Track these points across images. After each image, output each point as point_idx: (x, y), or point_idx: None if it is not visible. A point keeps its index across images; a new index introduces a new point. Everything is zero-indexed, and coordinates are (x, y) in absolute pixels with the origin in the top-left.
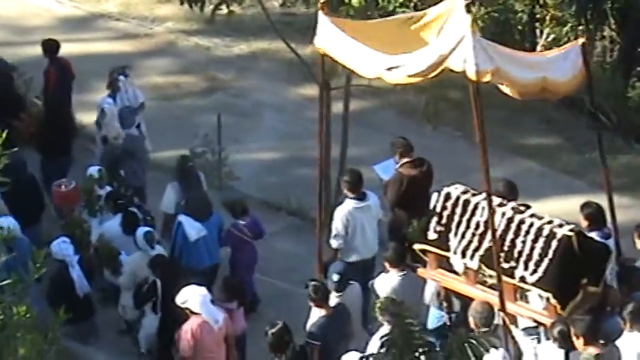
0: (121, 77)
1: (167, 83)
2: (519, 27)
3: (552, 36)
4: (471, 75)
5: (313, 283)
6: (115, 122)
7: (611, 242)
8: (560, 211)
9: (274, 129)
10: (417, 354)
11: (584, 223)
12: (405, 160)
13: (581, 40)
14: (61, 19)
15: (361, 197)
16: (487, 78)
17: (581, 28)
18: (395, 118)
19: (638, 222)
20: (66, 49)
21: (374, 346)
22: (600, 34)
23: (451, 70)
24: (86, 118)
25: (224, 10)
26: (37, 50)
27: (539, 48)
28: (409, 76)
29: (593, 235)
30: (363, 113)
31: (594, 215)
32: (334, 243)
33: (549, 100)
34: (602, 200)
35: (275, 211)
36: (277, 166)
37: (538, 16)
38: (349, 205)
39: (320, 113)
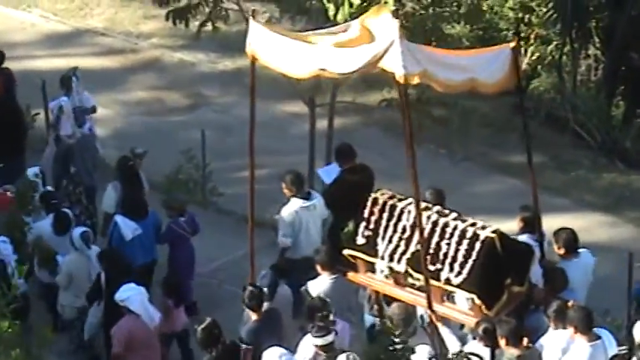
0: (74, 78)
1: (152, 99)
2: None
3: (537, 55)
4: (400, 77)
5: (250, 288)
6: (70, 120)
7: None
8: (544, 229)
9: (258, 145)
10: None
11: (519, 225)
12: (348, 165)
13: (512, 44)
14: (46, 34)
15: (306, 197)
16: (415, 80)
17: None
18: (378, 135)
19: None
20: (51, 64)
21: (305, 346)
22: (585, 53)
23: (383, 71)
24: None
25: (209, 26)
26: (23, 65)
27: (523, 66)
28: (340, 74)
29: (525, 237)
30: (346, 130)
31: (530, 219)
32: (282, 241)
33: (533, 118)
34: (587, 219)
35: (258, 227)
36: (261, 182)
37: (523, 34)
38: (295, 204)
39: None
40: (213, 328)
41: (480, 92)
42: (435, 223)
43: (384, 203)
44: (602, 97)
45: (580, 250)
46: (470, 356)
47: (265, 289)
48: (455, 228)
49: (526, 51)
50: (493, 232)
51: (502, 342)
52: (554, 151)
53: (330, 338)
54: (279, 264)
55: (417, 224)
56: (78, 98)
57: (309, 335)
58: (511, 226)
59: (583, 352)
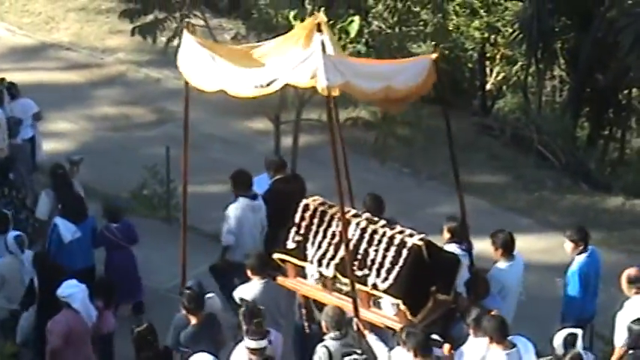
0: (4, 90)
1: (117, 114)
2: (469, 65)
3: (502, 75)
4: (322, 89)
5: (189, 291)
6: (2, 133)
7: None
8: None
9: (223, 162)
10: None
11: (446, 236)
12: (279, 176)
13: (434, 55)
14: (11, 48)
15: (253, 197)
16: (336, 92)
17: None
18: (342, 154)
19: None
20: (16, 78)
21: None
22: (550, 74)
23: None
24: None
25: (176, 42)
26: None
27: (488, 86)
28: (255, 88)
29: (452, 247)
30: (312, 147)
31: (456, 229)
32: (226, 239)
33: (498, 138)
34: (550, 239)
35: (210, 237)
36: (226, 199)
37: (488, 54)
38: (242, 203)
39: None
40: (147, 334)
41: (392, 99)
42: (363, 230)
43: (315, 209)
44: (567, 118)
45: (515, 254)
46: None
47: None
48: (383, 235)
49: (491, 71)
50: (420, 239)
51: (412, 354)
52: (518, 171)
53: (263, 343)
54: (218, 265)
55: (346, 231)
56: (9, 108)
57: (242, 341)
58: (478, 245)
59: None
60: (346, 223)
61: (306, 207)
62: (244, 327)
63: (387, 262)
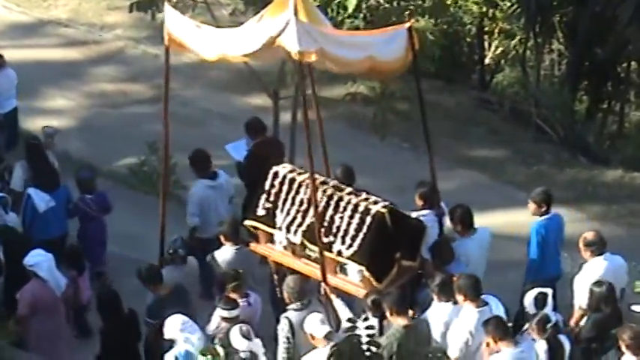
0: None
1: (115, 91)
2: (468, 39)
3: (500, 49)
4: (296, 55)
5: (146, 265)
6: None
7: (445, 220)
8: (506, 222)
9: (222, 138)
10: None
11: (418, 202)
12: (259, 139)
13: (407, 24)
14: (9, 25)
15: (212, 176)
16: (312, 58)
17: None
18: (343, 129)
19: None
20: (14, 55)
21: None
22: (549, 48)
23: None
24: (33, 123)
25: None
26: None
27: (487, 61)
28: (244, 55)
29: (426, 213)
30: (310, 123)
31: (428, 195)
32: (190, 221)
33: (496, 112)
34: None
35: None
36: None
37: (486, 28)
38: (202, 184)
39: None
40: (111, 298)
41: (378, 71)
42: (330, 197)
43: (284, 176)
44: (566, 92)
45: (476, 227)
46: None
47: (180, 251)
48: (348, 202)
49: (490, 45)
50: (384, 207)
51: (388, 313)
52: (517, 145)
53: (235, 312)
54: (187, 242)
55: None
56: None
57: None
58: (476, 219)
59: (471, 318)
60: (315, 191)
61: (276, 174)
62: (217, 296)
63: (351, 229)
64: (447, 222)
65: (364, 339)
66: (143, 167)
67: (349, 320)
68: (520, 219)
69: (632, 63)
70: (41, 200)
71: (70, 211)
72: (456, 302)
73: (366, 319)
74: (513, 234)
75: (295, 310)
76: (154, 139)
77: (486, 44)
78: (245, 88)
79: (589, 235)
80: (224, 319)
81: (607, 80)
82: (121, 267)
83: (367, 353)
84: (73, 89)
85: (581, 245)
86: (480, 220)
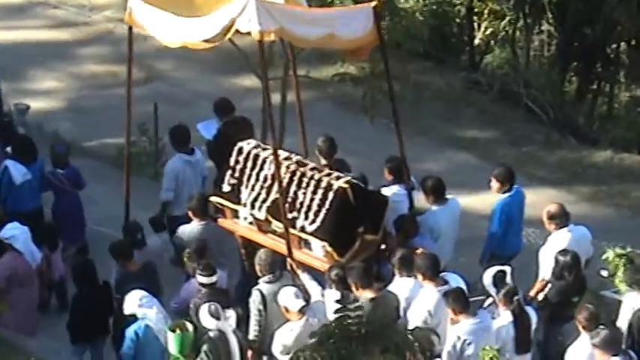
0: None
1: (104, 72)
2: (457, 20)
3: (490, 30)
4: (255, 34)
5: (118, 240)
6: None
7: (415, 194)
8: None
9: (210, 118)
10: (354, 345)
11: (388, 177)
12: (227, 118)
13: (373, 3)
14: None
15: (190, 152)
16: (271, 37)
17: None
18: (332, 110)
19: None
20: (3, 36)
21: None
22: (538, 29)
23: (239, 32)
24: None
25: None
26: None
27: (477, 41)
28: (205, 40)
29: (395, 188)
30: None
31: (396, 169)
32: (165, 196)
33: (486, 93)
34: (538, 194)
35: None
36: None
37: (476, 9)
38: (179, 158)
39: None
40: (86, 269)
41: (339, 48)
42: (293, 173)
43: (249, 152)
44: (555, 73)
45: (448, 197)
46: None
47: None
48: (311, 178)
49: (479, 26)
50: (346, 182)
51: (354, 288)
52: (506, 126)
53: (214, 278)
54: (157, 218)
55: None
56: None
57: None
58: (466, 200)
59: (431, 297)
60: (279, 167)
61: (240, 150)
62: (194, 264)
63: (314, 205)
64: (418, 196)
65: (354, 320)
66: (132, 148)
67: (338, 301)
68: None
69: (622, 44)
70: (18, 173)
71: (42, 185)
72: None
73: (355, 300)
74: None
75: (267, 282)
76: (144, 120)
77: (476, 25)
78: (233, 70)
79: (552, 208)
80: (202, 285)
81: (596, 61)
82: (106, 246)
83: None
84: (63, 70)
85: (545, 218)
86: (469, 200)
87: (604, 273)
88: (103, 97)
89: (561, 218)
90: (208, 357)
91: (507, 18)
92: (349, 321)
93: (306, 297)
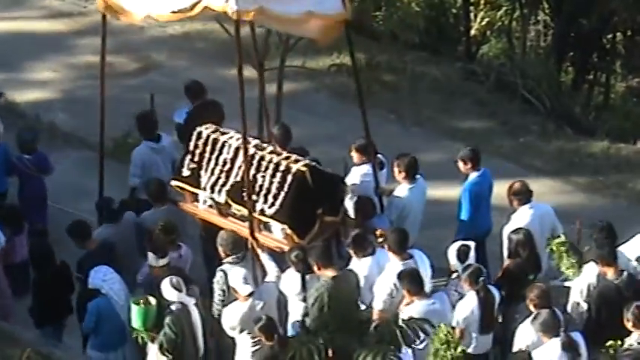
0: None
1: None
2: (453, 10)
3: (487, 20)
4: (232, 14)
5: (75, 221)
6: None
7: (383, 173)
8: (493, 194)
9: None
10: (349, 335)
11: (355, 157)
12: (199, 102)
13: None
14: None
15: (156, 139)
16: (249, 17)
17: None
18: (328, 100)
19: (570, 207)
20: None
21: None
22: (534, 19)
23: (211, 9)
24: (19, 96)
25: None
26: None
27: (473, 32)
28: (173, 12)
29: (364, 168)
30: (296, 95)
31: (364, 148)
32: (132, 182)
33: (482, 83)
34: (535, 184)
35: None
36: None
37: (472, 0)
38: (145, 146)
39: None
40: (44, 250)
41: (315, 25)
42: (252, 157)
43: (208, 137)
44: (552, 63)
45: (417, 177)
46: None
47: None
48: (270, 161)
49: (476, 16)
50: (304, 165)
51: (315, 267)
52: (503, 116)
53: (164, 261)
54: (127, 201)
55: (236, 157)
56: None
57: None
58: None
59: (395, 271)
60: (246, 152)
61: (199, 135)
62: (148, 246)
63: (273, 188)
64: (384, 175)
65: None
66: (128, 139)
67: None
68: (506, 190)
69: (618, 34)
70: None
71: (8, 170)
72: (372, 253)
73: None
74: (499, 205)
75: (231, 263)
76: (140, 110)
77: (472, 15)
78: (229, 59)
79: (516, 185)
80: (152, 267)
81: (593, 51)
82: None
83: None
84: (58, 61)
85: (508, 195)
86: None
87: (560, 282)
88: (98, 87)
89: (524, 195)
90: (171, 329)
91: (504, 8)
92: (348, 309)
93: (263, 276)
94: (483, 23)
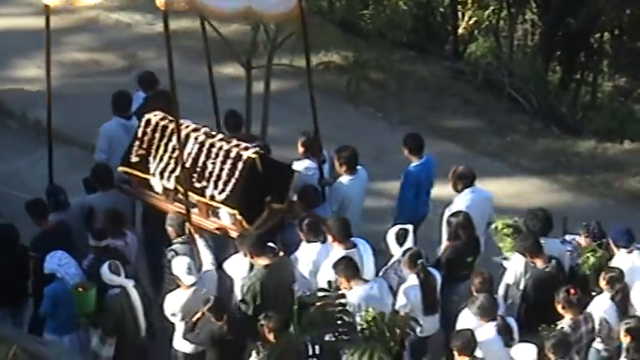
0: None
1: (87, 60)
2: (441, 9)
3: (474, 19)
4: (160, 4)
5: (32, 199)
6: None
7: (326, 168)
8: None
9: (195, 107)
10: (337, 334)
11: (300, 150)
12: (152, 92)
13: None
14: None
15: (128, 117)
16: (180, 8)
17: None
18: (316, 98)
19: (557, 206)
20: None
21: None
22: (522, 18)
23: None
24: (6, 93)
25: None
26: None
27: (460, 31)
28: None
29: (306, 162)
30: (284, 93)
31: (309, 143)
32: (97, 157)
33: (470, 82)
34: (522, 183)
35: None
36: None
37: None
38: (115, 121)
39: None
40: (8, 232)
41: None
42: (202, 144)
43: (157, 124)
44: (539, 62)
45: (358, 169)
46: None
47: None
48: (220, 148)
49: (463, 15)
50: (254, 152)
51: (248, 256)
52: (490, 115)
53: (103, 243)
54: (89, 180)
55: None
56: None
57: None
58: (450, 189)
59: (338, 257)
60: (180, 138)
61: (148, 122)
62: (90, 228)
63: (223, 175)
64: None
65: (336, 308)
66: None
67: (321, 289)
68: (493, 188)
69: (605, 33)
70: None
71: None
72: (324, 241)
73: (337, 288)
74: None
75: (180, 243)
76: None
77: (460, 14)
78: (217, 58)
79: (460, 168)
80: (93, 248)
81: (580, 51)
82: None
83: (339, 322)
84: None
85: (452, 178)
86: (453, 190)
87: (500, 260)
88: (87, 85)
89: (467, 178)
90: (112, 312)
91: (491, 7)
92: (332, 309)
93: (199, 264)
94: (471, 22)
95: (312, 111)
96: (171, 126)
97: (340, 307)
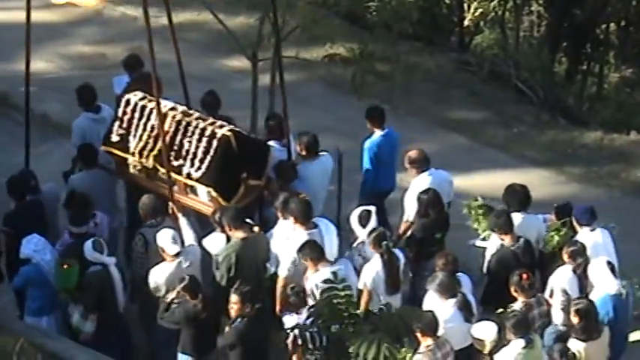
0: None
1: (93, 53)
2: (447, 1)
3: (480, 10)
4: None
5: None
6: None
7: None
8: (486, 184)
9: (199, 99)
10: (343, 325)
11: (265, 133)
12: (135, 75)
13: None
14: None
15: (96, 110)
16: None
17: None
18: (322, 91)
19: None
20: None
21: None
22: (528, 9)
23: None
24: (11, 87)
25: None
26: None
27: (466, 22)
28: None
29: (273, 143)
30: (290, 86)
31: (274, 127)
32: (72, 152)
33: (476, 74)
34: (528, 174)
35: None
36: None
37: None
38: (84, 116)
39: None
40: None
41: None
42: (179, 122)
43: (136, 104)
44: (545, 54)
45: (321, 154)
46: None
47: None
48: (196, 127)
49: (469, 7)
50: (229, 130)
51: (227, 228)
52: (496, 106)
53: (84, 229)
54: (68, 172)
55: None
56: None
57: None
58: (456, 181)
59: (300, 240)
60: (164, 117)
61: (128, 102)
62: (68, 210)
63: (199, 153)
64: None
65: (342, 299)
66: None
67: (326, 281)
68: (500, 180)
69: (611, 24)
70: None
71: None
72: None
73: (343, 280)
74: (493, 195)
75: (149, 226)
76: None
77: (465, 6)
78: (223, 51)
79: (413, 154)
80: (71, 234)
81: (586, 42)
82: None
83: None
84: (51, 51)
85: (406, 164)
86: (460, 181)
87: (478, 243)
88: (93, 78)
89: (421, 162)
90: (93, 289)
91: None
92: (338, 300)
93: (181, 241)
94: (477, 14)
95: (282, 97)
96: (150, 105)
97: (346, 299)
